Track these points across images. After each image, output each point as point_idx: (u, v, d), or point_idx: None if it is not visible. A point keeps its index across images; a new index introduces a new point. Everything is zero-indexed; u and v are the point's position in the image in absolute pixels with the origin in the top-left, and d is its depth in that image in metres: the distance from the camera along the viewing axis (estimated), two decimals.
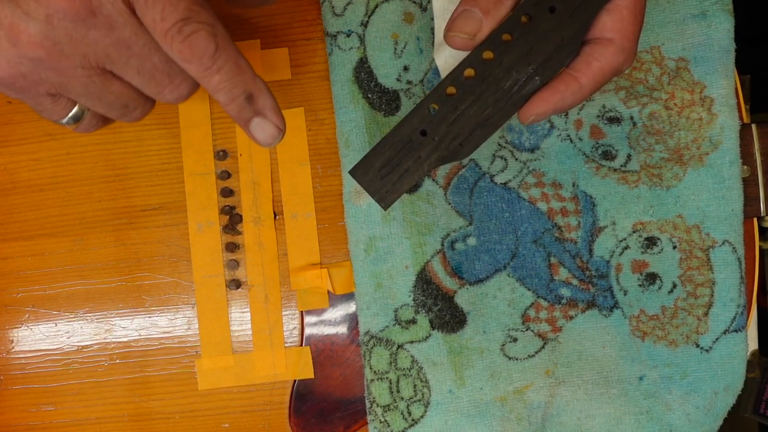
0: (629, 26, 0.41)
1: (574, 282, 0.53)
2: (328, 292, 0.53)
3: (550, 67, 0.41)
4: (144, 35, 0.36)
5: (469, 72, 0.42)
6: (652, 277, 0.53)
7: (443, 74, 0.49)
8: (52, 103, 0.39)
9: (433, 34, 0.52)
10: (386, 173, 0.42)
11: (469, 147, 0.42)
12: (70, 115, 0.40)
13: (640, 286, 0.53)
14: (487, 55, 0.41)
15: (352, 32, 0.53)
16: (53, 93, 0.38)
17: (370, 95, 0.53)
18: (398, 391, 0.53)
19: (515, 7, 0.41)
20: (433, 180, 0.53)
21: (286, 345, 0.54)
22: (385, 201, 0.43)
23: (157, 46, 0.37)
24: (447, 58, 0.49)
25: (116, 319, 0.54)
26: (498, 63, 0.41)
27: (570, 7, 0.41)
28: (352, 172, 0.42)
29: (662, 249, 0.53)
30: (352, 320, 0.54)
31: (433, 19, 0.52)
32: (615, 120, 0.53)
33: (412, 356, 0.53)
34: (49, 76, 0.37)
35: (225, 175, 0.54)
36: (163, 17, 0.35)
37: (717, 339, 0.53)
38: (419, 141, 0.42)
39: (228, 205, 0.54)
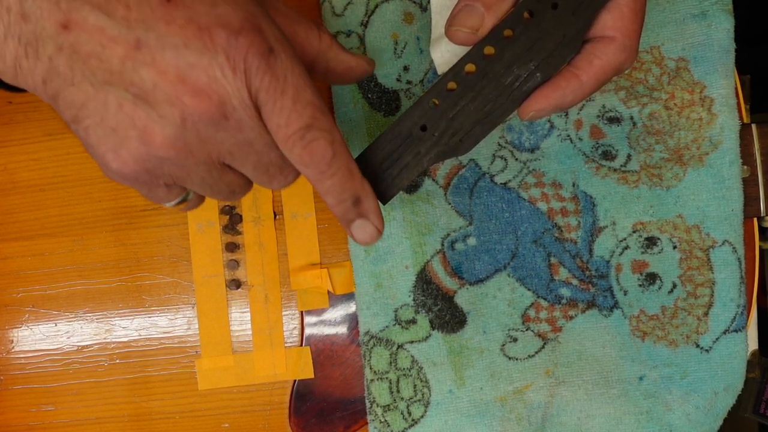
0: (630, 24, 0.41)
1: (574, 282, 0.53)
2: (328, 292, 0.53)
3: (551, 64, 0.41)
4: (266, 135, 0.37)
5: (470, 67, 0.41)
6: (652, 277, 0.53)
7: (439, 69, 0.49)
8: (166, 192, 0.39)
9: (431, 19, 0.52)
10: (386, 168, 0.42)
11: (469, 143, 0.42)
12: (178, 199, 0.41)
13: (640, 286, 0.53)
14: (489, 50, 0.41)
15: (352, 32, 0.53)
16: (169, 184, 0.39)
17: (369, 95, 0.53)
18: (398, 391, 0.53)
19: (517, 3, 0.41)
20: (433, 180, 0.53)
21: (286, 345, 0.54)
22: (384, 196, 0.43)
23: (275, 145, 0.37)
24: (444, 53, 0.49)
25: (116, 319, 0.54)
26: (499, 59, 0.41)
27: (572, 3, 0.41)
28: None
29: (662, 249, 0.53)
30: (352, 320, 0.54)
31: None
32: (615, 120, 0.53)
33: (412, 356, 0.53)
34: (171, 171, 0.37)
35: None
36: (288, 123, 0.36)
37: (717, 339, 0.53)
38: (419, 136, 0.42)
39: (228, 205, 0.54)
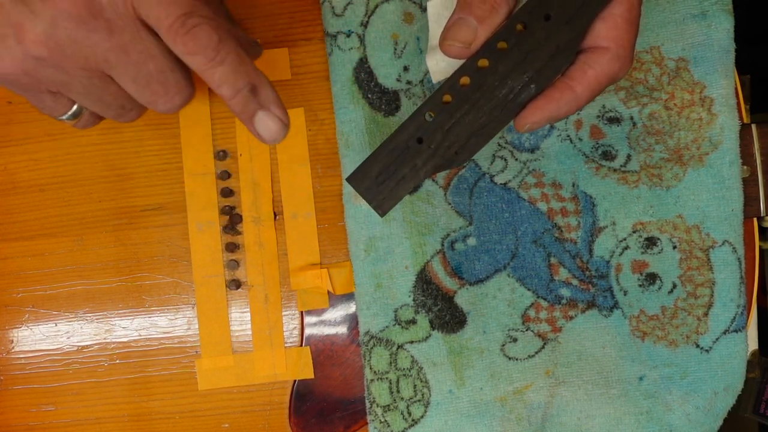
0: (624, 34, 0.42)
1: (574, 282, 0.53)
2: (328, 292, 0.53)
3: (545, 75, 0.42)
4: (142, 42, 0.37)
5: (464, 80, 0.42)
6: (652, 277, 0.53)
7: (434, 77, 0.49)
8: (53, 101, 0.40)
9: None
10: (383, 180, 0.43)
11: (464, 155, 0.42)
12: (70, 112, 0.42)
13: (640, 286, 0.53)
14: (483, 63, 0.42)
15: (352, 32, 0.53)
16: (54, 91, 0.39)
17: (370, 95, 0.53)
18: (398, 391, 0.53)
19: (510, 15, 0.41)
20: (433, 180, 0.53)
21: (286, 345, 0.54)
22: (381, 208, 0.43)
23: (154, 54, 0.38)
24: (439, 62, 0.49)
25: (116, 319, 0.54)
26: (493, 71, 0.41)
27: (565, 15, 0.41)
28: (349, 180, 0.43)
29: (662, 249, 0.53)
30: (352, 320, 0.54)
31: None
32: (615, 120, 0.53)
33: (412, 356, 0.53)
34: (51, 75, 0.38)
35: (225, 175, 0.54)
36: (167, 14, 0.36)
37: (717, 339, 0.53)
38: (415, 148, 0.42)
39: (228, 205, 0.54)
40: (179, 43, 0.36)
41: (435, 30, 0.50)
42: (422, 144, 0.42)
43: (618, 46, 0.42)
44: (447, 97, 0.42)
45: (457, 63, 0.42)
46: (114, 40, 0.37)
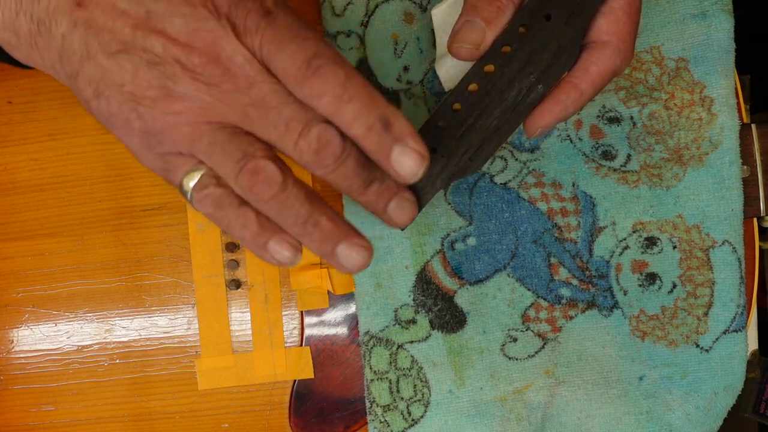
0: (625, 27, 0.42)
1: (574, 282, 0.53)
2: (328, 292, 0.53)
3: (551, 74, 0.42)
4: (279, 87, 0.36)
5: (472, 87, 0.42)
6: (652, 277, 0.53)
7: (445, 85, 0.50)
8: (181, 162, 0.39)
9: (434, 34, 0.52)
10: None
11: (478, 161, 0.43)
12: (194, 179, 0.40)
13: (640, 286, 0.53)
14: (489, 68, 0.42)
15: (352, 32, 0.53)
16: (185, 153, 0.38)
17: None
18: (398, 391, 0.53)
19: (515, 15, 0.42)
20: None
21: (286, 345, 0.54)
22: None
23: (291, 99, 0.36)
24: (449, 69, 0.49)
25: (116, 319, 0.54)
26: (500, 75, 0.42)
27: (565, 13, 0.41)
28: None
29: (662, 249, 0.53)
30: (352, 320, 0.54)
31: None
32: (615, 120, 0.53)
33: (412, 356, 0.53)
34: (188, 131, 0.37)
35: None
36: (293, 60, 0.36)
37: (717, 339, 0.53)
38: (430, 158, 0.42)
39: None
40: (306, 86, 0.35)
41: (442, 38, 0.50)
42: (436, 154, 0.42)
43: (619, 40, 0.42)
44: (456, 105, 0.42)
45: (467, 68, 0.43)
46: (254, 93, 0.36)
